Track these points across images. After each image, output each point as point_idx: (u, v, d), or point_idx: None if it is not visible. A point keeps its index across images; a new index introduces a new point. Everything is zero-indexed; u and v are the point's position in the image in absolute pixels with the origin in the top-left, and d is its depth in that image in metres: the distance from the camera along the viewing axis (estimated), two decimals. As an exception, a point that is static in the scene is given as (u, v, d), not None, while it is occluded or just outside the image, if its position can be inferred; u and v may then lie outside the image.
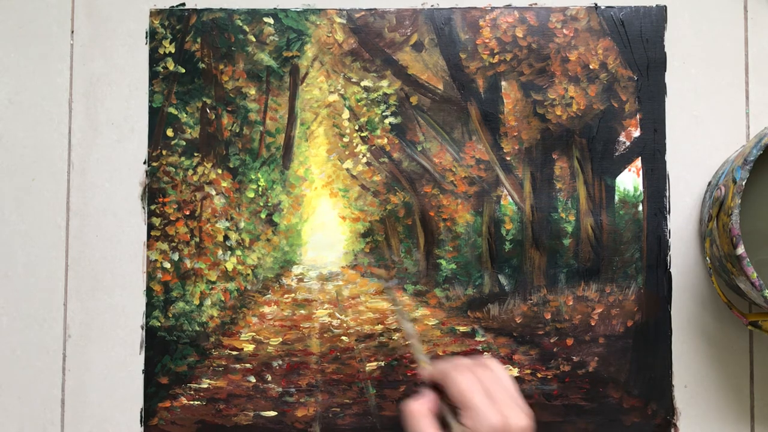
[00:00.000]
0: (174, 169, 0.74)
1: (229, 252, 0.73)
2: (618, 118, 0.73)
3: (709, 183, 0.72)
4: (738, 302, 0.72)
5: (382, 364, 0.72)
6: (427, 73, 0.74)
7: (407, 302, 0.73)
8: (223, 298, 0.73)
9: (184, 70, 0.74)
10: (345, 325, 0.73)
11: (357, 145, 0.74)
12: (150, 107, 0.74)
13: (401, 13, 0.74)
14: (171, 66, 0.74)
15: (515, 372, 0.72)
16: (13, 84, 0.75)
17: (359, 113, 0.74)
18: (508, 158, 0.74)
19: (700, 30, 0.74)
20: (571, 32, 0.74)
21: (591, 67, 0.73)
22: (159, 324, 0.73)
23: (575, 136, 0.73)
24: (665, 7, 0.73)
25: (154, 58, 0.74)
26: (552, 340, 0.72)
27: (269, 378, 0.72)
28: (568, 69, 0.74)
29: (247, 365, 0.72)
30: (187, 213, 0.73)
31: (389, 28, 0.74)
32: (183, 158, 0.74)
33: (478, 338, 0.73)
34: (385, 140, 0.74)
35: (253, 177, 0.74)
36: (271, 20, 0.74)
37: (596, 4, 0.74)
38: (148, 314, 0.73)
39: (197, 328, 0.73)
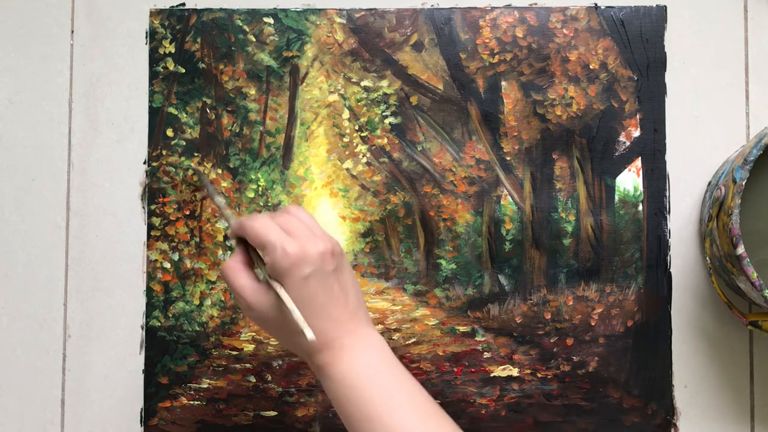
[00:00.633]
0: (174, 169, 0.74)
1: (229, 252, 0.73)
2: (618, 118, 0.73)
3: (709, 183, 0.72)
4: (738, 302, 0.72)
5: (382, 364, 0.72)
6: (427, 73, 0.74)
7: (407, 302, 0.73)
8: (223, 298, 0.73)
9: (184, 70, 0.74)
10: (345, 325, 0.73)
11: (357, 145, 0.74)
12: (150, 107, 0.74)
13: (401, 13, 0.74)
14: (171, 66, 0.74)
15: (515, 372, 0.72)
16: (13, 84, 0.75)
17: (359, 113, 0.74)
18: (508, 158, 0.74)
19: (700, 30, 0.74)
20: (571, 32, 0.74)
21: (591, 67, 0.73)
22: (159, 324, 0.73)
23: (575, 136, 0.73)
24: (665, 7, 0.73)
25: (154, 58, 0.74)
26: (552, 340, 0.72)
27: (269, 378, 0.72)
28: (568, 69, 0.74)
29: (247, 365, 0.72)
30: (187, 213, 0.73)
31: (389, 28, 0.74)
32: (183, 158, 0.74)
33: (478, 338, 0.73)
34: (385, 140, 0.74)
35: (253, 177, 0.74)
36: (271, 20, 0.74)
37: (596, 4, 0.74)
38: (148, 314, 0.73)
39: (197, 328, 0.73)
